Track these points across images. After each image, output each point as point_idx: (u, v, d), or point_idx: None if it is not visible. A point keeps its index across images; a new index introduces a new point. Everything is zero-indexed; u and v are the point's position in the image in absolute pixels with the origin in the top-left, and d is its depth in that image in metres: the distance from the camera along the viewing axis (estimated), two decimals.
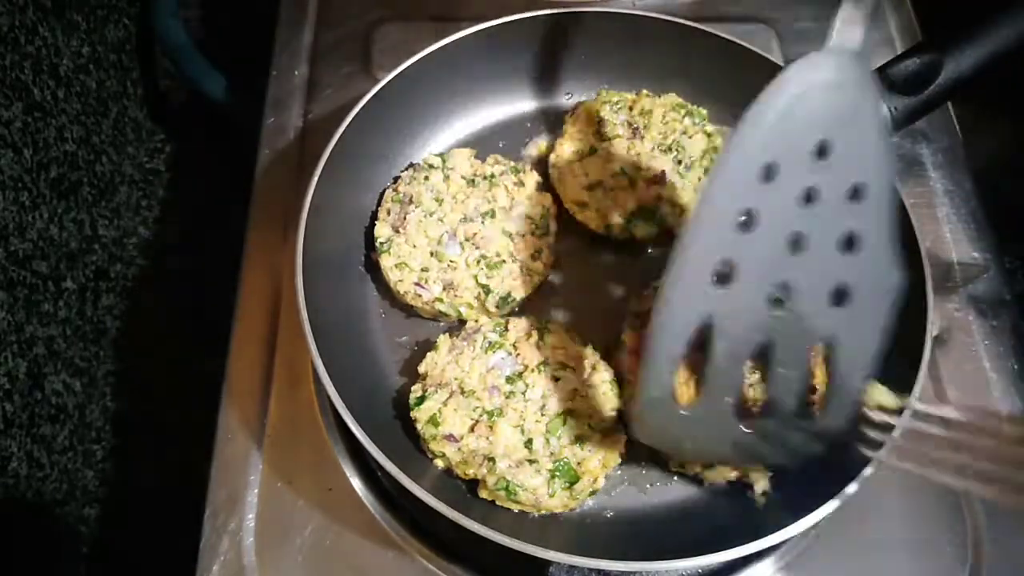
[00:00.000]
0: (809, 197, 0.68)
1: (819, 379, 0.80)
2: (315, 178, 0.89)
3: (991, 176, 1.14)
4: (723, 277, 0.70)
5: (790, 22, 1.27)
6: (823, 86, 0.66)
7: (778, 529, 0.74)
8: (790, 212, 0.68)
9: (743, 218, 0.69)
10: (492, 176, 0.99)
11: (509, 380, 0.85)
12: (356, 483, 0.90)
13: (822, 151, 0.67)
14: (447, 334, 0.91)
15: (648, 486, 0.88)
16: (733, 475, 0.86)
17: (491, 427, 0.82)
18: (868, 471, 0.76)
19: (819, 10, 1.28)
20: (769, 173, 0.68)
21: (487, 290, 0.92)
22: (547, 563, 0.75)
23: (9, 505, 1.01)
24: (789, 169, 0.67)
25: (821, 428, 0.74)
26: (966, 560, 0.87)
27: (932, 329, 0.83)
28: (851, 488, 0.75)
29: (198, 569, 0.85)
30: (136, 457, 1.28)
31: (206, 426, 0.93)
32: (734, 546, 0.73)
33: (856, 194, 0.68)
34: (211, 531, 0.87)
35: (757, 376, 0.82)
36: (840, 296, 0.70)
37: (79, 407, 1.18)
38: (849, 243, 0.69)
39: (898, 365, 0.83)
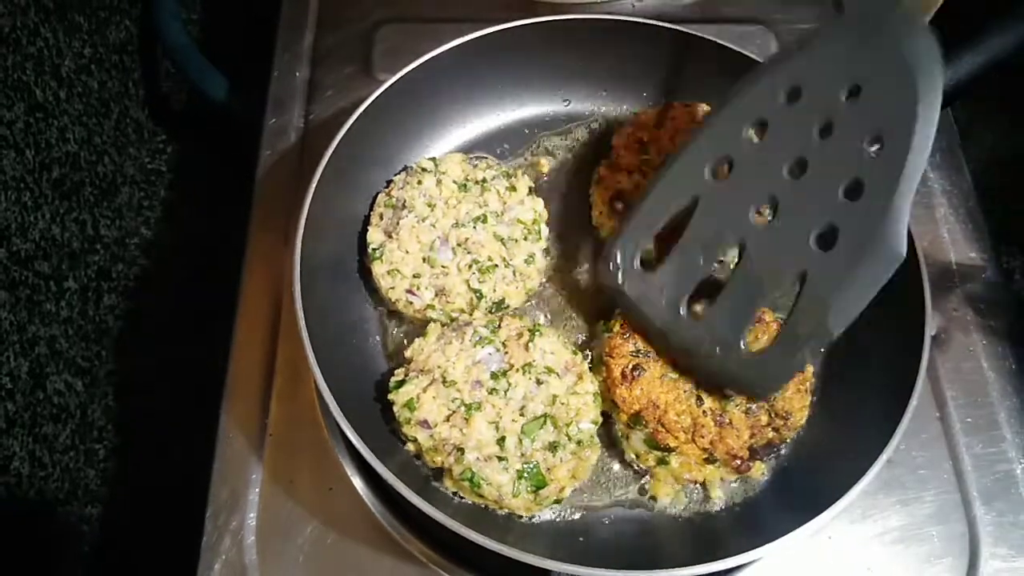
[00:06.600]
0: (826, 131, 0.67)
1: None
2: (314, 182, 0.89)
3: (989, 176, 1.14)
4: (718, 171, 0.74)
5: (789, 23, 1.27)
6: (866, 34, 0.66)
7: (777, 537, 0.74)
8: (802, 136, 0.68)
9: (754, 129, 0.71)
10: (484, 180, 0.99)
11: (493, 376, 0.85)
12: (356, 483, 0.90)
13: (851, 92, 0.66)
14: (438, 323, 0.91)
15: (647, 490, 0.88)
16: (681, 485, 0.87)
17: (467, 419, 0.82)
18: (863, 482, 0.75)
19: (819, 11, 1.28)
20: (793, 95, 0.68)
21: (479, 295, 0.92)
22: None
23: (11, 504, 1.01)
24: (813, 96, 0.67)
25: (757, 360, 0.75)
26: (965, 559, 0.88)
27: (930, 329, 0.83)
28: (847, 498, 0.75)
29: (199, 568, 0.85)
30: (138, 457, 1.28)
31: (207, 426, 0.93)
32: (732, 554, 0.73)
33: (874, 143, 0.65)
34: (212, 530, 0.87)
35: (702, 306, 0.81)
36: (826, 239, 0.68)
37: (81, 407, 1.18)
38: (853, 190, 0.66)
39: (897, 365, 0.83)
